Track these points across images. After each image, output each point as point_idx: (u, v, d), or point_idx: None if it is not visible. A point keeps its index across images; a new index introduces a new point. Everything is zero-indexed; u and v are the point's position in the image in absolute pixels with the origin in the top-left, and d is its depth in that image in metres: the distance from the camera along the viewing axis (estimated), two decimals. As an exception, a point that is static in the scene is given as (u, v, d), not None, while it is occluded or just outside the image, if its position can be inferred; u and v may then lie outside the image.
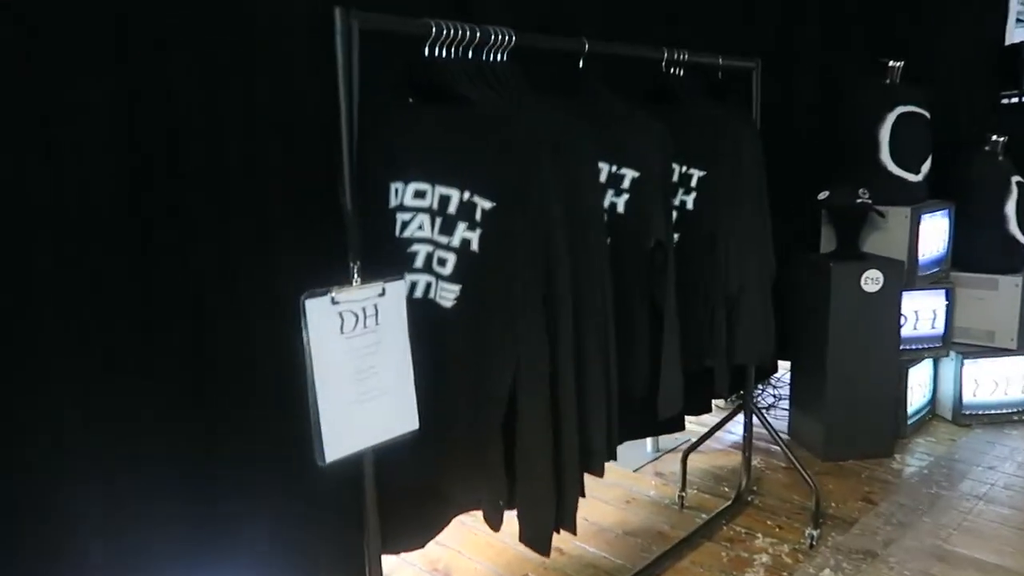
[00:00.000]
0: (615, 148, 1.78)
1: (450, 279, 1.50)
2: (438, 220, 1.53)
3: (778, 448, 3.11)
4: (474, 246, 1.46)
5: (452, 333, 1.53)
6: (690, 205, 2.03)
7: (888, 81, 3.24)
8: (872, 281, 2.94)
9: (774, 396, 3.77)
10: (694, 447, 2.78)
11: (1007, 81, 5.14)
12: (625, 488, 2.87)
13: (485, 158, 1.45)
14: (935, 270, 3.29)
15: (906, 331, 3.22)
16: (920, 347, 3.30)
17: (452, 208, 1.52)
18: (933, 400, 3.48)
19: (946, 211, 3.32)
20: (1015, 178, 3.35)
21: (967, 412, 3.39)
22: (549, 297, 1.45)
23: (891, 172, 3.18)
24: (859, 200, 2.94)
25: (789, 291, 3.15)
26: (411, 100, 1.57)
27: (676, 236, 2.01)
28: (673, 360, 1.79)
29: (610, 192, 1.82)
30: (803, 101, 3.38)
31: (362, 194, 1.49)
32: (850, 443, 3.06)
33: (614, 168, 1.81)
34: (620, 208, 1.82)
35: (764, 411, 3.64)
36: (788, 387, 3.39)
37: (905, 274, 3.11)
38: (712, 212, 1.99)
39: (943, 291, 3.31)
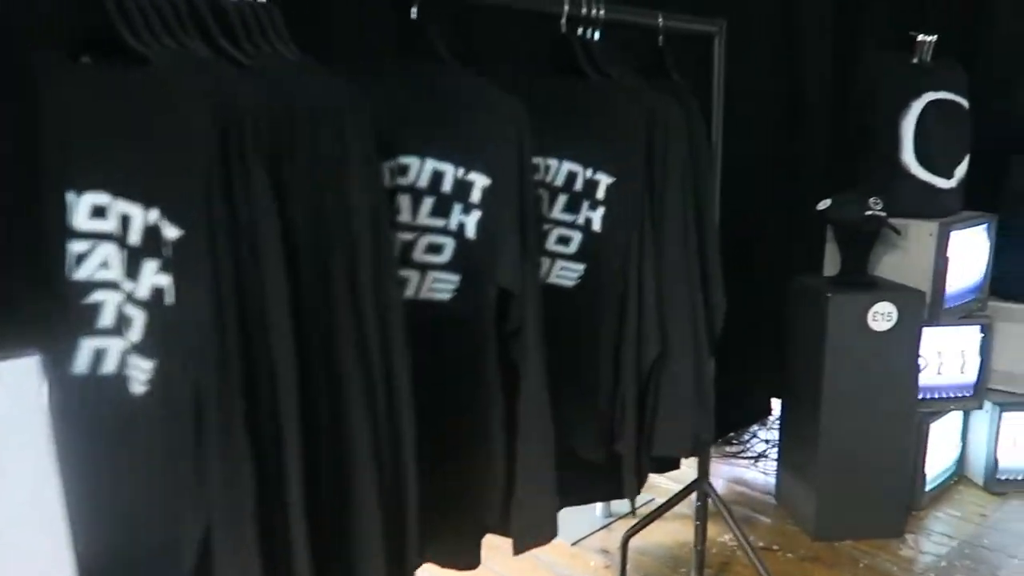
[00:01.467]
0: (457, 140, 1.18)
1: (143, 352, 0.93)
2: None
3: (761, 516, 2.49)
4: (167, 298, 0.89)
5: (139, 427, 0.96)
6: (597, 226, 1.40)
7: (916, 60, 2.56)
8: (882, 317, 2.28)
9: (767, 442, 3.12)
10: (637, 529, 2.16)
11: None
12: (555, 573, 2.27)
13: (147, 157, 0.86)
14: (968, 300, 2.61)
15: (927, 377, 2.56)
16: (945, 396, 2.62)
17: (135, 237, 0.94)
18: (961, 460, 2.81)
19: (985, 225, 2.63)
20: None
21: (1003, 478, 2.71)
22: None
23: (915, 176, 2.50)
24: (869, 212, 2.28)
25: (784, 321, 2.52)
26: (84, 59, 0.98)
27: (580, 271, 1.40)
28: (533, 473, 1.18)
29: (456, 209, 1.21)
30: (810, 84, 2.72)
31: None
32: (848, 518, 2.41)
33: (460, 172, 1.20)
34: (470, 232, 1.21)
35: (754, 461, 3.00)
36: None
37: (928, 306, 2.44)
38: (624, 237, 1.37)
39: (977, 326, 2.63)
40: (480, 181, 1.19)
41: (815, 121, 2.71)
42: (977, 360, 2.62)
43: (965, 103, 2.55)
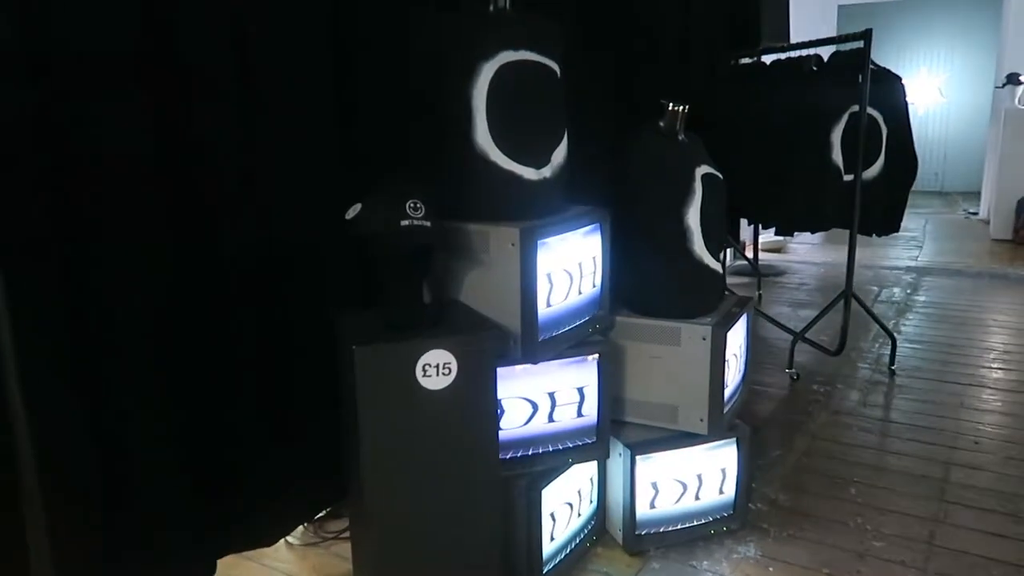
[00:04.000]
0: None
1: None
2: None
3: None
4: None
5: None
6: None
7: (492, 7, 1.91)
8: (436, 369, 1.60)
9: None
10: None
11: (736, 38, 4.13)
12: None
13: None
14: (579, 323, 2.03)
15: (534, 425, 1.96)
16: (561, 448, 2.03)
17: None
18: (598, 516, 2.26)
19: (595, 227, 2.06)
20: (701, 169, 2.15)
21: (643, 532, 2.19)
22: None
23: (495, 164, 1.86)
24: (405, 222, 1.58)
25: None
26: None
27: None
28: None
29: None
30: (348, 43, 2.00)
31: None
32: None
33: None
34: None
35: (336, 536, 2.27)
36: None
37: (518, 341, 1.82)
38: None
39: (592, 356, 2.05)
40: None
41: (352, 99, 1.99)
42: (595, 396, 2.05)
43: (556, 66, 1.94)
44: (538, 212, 1.91)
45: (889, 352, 3.60)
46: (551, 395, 1.97)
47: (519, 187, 1.88)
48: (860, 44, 3.21)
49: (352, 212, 1.62)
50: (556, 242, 1.88)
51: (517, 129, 1.86)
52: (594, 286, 2.06)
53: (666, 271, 2.16)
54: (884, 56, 9.60)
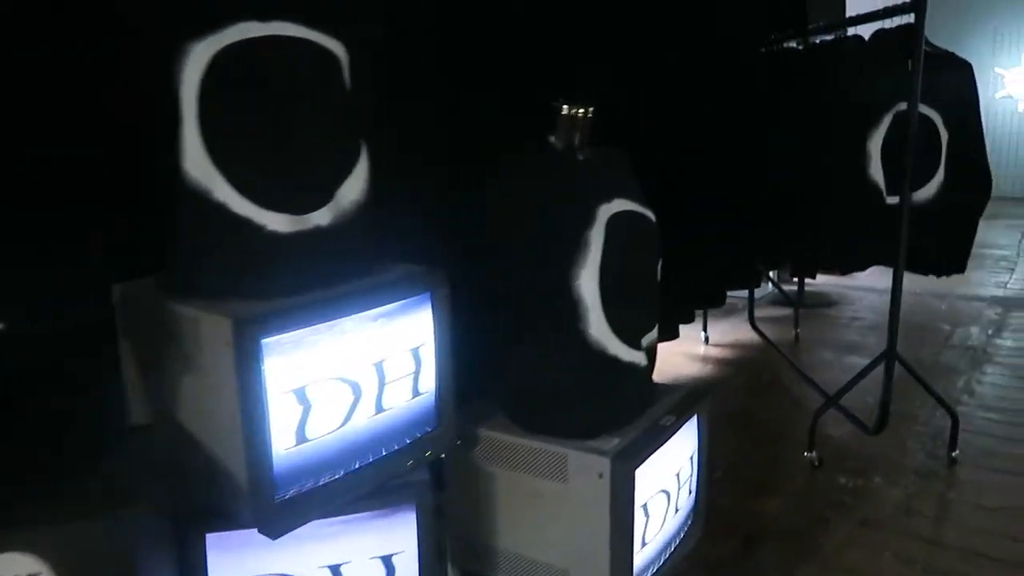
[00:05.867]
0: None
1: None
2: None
3: None
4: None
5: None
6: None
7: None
8: (15, 584, 0.90)
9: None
10: None
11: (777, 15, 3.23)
12: None
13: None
14: (376, 460, 1.27)
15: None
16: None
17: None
18: None
19: (419, 300, 1.30)
20: (608, 207, 1.37)
21: None
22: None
23: (217, 204, 1.14)
24: None
25: None
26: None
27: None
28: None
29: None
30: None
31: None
32: None
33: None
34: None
35: None
36: None
37: (239, 502, 1.10)
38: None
39: (404, 515, 1.30)
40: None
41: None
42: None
43: (334, 44, 1.20)
44: (301, 283, 1.18)
45: (949, 429, 2.69)
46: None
47: (263, 244, 1.15)
48: (911, 18, 2.33)
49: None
50: (319, 336, 1.14)
51: (258, 146, 1.14)
52: (417, 393, 1.32)
53: (549, 364, 1.40)
54: (976, 40, 8.36)
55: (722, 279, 3.15)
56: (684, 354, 3.81)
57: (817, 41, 2.91)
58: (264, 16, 1.13)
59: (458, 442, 1.40)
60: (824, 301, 4.71)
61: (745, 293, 3.90)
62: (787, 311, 4.28)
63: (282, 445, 1.11)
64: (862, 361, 2.98)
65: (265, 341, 1.06)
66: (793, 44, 3.13)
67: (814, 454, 2.65)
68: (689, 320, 3.13)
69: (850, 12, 4.05)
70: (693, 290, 2.95)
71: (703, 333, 3.99)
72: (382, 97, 1.30)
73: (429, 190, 1.52)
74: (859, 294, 4.86)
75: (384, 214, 1.31)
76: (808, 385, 3.22)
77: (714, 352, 3.88)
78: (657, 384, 1.60)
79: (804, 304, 4.38)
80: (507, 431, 1.44)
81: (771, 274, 4.03)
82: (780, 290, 4.28)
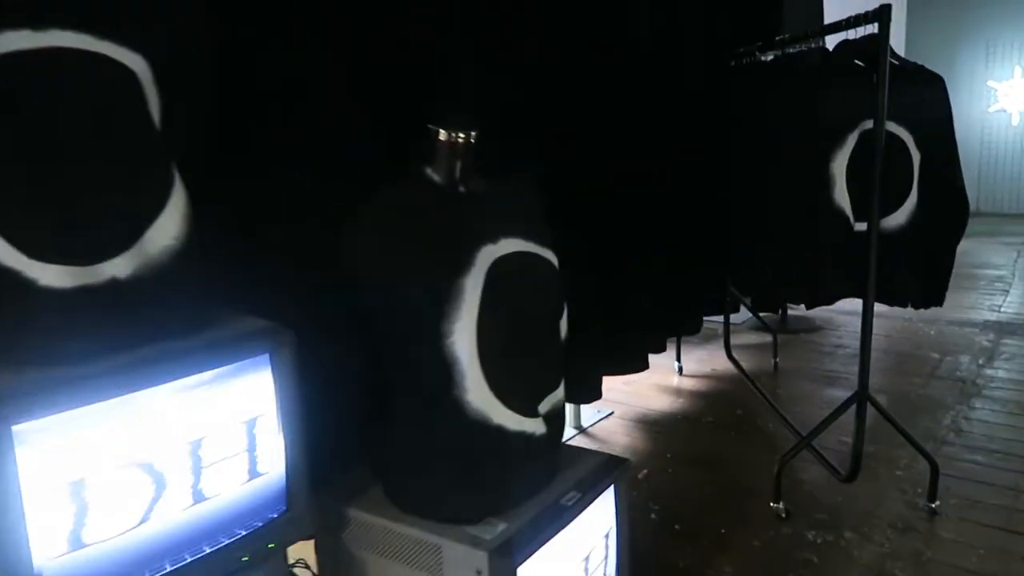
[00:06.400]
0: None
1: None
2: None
3: None
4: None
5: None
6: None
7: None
8: None
9: None
10: None
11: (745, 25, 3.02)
12: None
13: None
14: (189, 560, 1.06)
15: None
16: None
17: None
18: None
19: (257, 361, 1.08)
20: (492, 248, 1.15)
21: None
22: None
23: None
24: None
25: None
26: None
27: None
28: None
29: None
30: None
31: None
32: None
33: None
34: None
35: None
36: None
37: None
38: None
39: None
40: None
41: None
42: None
43: (129, 56, 0.99)
44: (87, 348, 0.96)
45: (929, 476, 2.46)
46: None
47: (35, 302, 0.93)
48: (875, 28, 2.13)
49: None
50: (103, 415, 0.92)
51: (24, 184, 0.92)
52: (256, 474, 1.09)
53: (418, 438, 1.17)
54: (968, 52, 8.14)
55: (687, 305, 2.93)
56: (655, 386, 3.59)
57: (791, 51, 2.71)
58: (38, 24, 0.92)
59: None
60: (808, 326, 4.49)
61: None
62: (768, 337, 4.05)
63: (48, 554, 0.89)
64: (843, 394, 2.75)
65: (17, 429, 0.84)
66: (769, 56, 2.92)
67: (780, 505, 2.41)
68: (661, 349, 2.90)
69: (829, 21, 3.85)
70: (661, 318, 2.73)
71: (676, 363, 3.77)
72: (220, 117, 1.09)
73: (281, 227, 1.29)
74: (845, 319, 4.62)
75: (221, 260, 1.09)
76: (782, 423, 2.99)
77: (687, 384, 3.65)
78: (570, 450, 1.38)
79: (786, 330, 4.16)
80: (379, 512, 1.22)
81: (748, 300, 3.80)
82: (758, 317, 4.05)
